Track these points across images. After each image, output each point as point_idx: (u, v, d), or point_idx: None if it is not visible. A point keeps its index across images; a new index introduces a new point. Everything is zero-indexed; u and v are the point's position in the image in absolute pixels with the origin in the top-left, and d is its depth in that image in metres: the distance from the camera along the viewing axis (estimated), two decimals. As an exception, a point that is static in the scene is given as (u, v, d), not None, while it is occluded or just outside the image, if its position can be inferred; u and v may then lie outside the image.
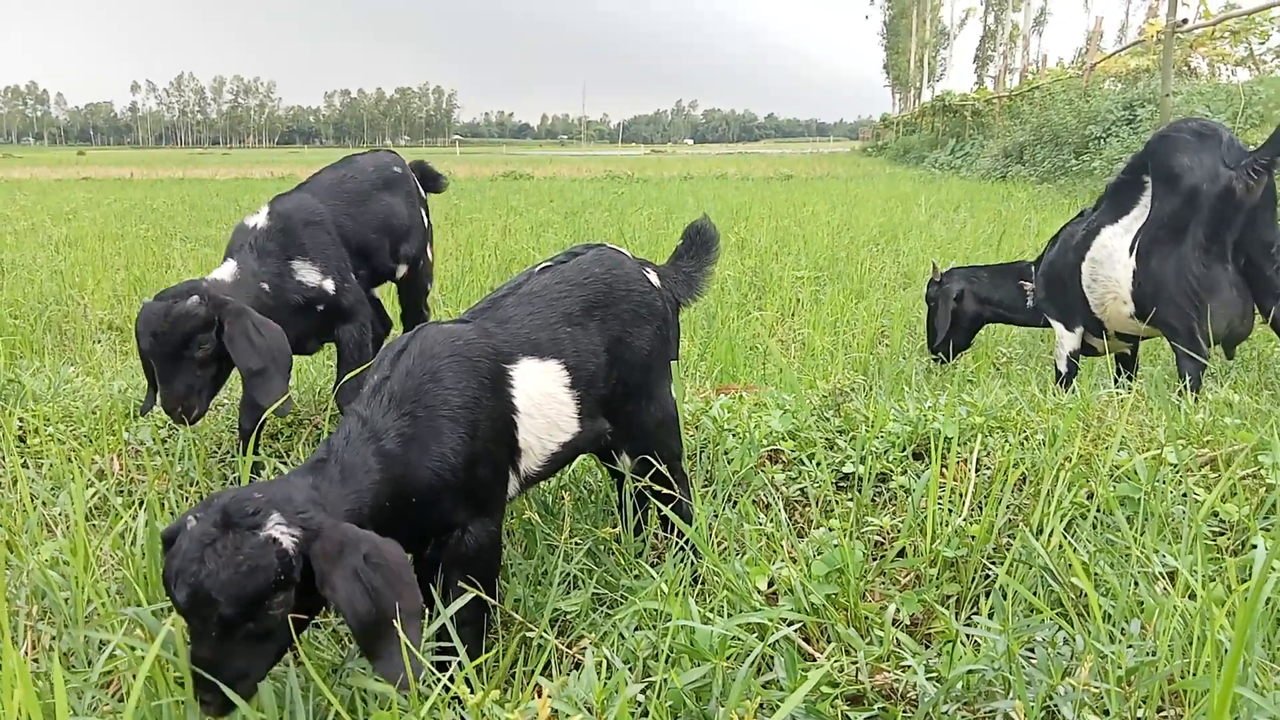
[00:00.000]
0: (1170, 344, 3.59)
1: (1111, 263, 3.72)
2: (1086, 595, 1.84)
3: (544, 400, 1.93)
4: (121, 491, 2.68)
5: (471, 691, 1.26)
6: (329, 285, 3.12)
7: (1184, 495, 2.24)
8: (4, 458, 2.74)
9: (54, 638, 1.87)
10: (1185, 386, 3.39)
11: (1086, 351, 4.16)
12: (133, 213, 12.48)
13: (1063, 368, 4.11)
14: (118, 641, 1.64)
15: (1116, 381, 3.91)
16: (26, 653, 1.80)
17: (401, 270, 3.78)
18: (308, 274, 3.09)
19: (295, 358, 2.97)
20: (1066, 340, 4.08)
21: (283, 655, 1.50)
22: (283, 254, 3.05)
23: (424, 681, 1.45)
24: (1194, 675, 1.52)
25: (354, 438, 1.68)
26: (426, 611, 1.56)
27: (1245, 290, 3.47)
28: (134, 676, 1.55)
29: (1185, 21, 13.12)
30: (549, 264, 2.12)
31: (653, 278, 2.24)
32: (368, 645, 1.42)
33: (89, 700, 1.59)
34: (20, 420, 2.93)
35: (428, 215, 4.04)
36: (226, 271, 2.91)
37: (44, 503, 2.46)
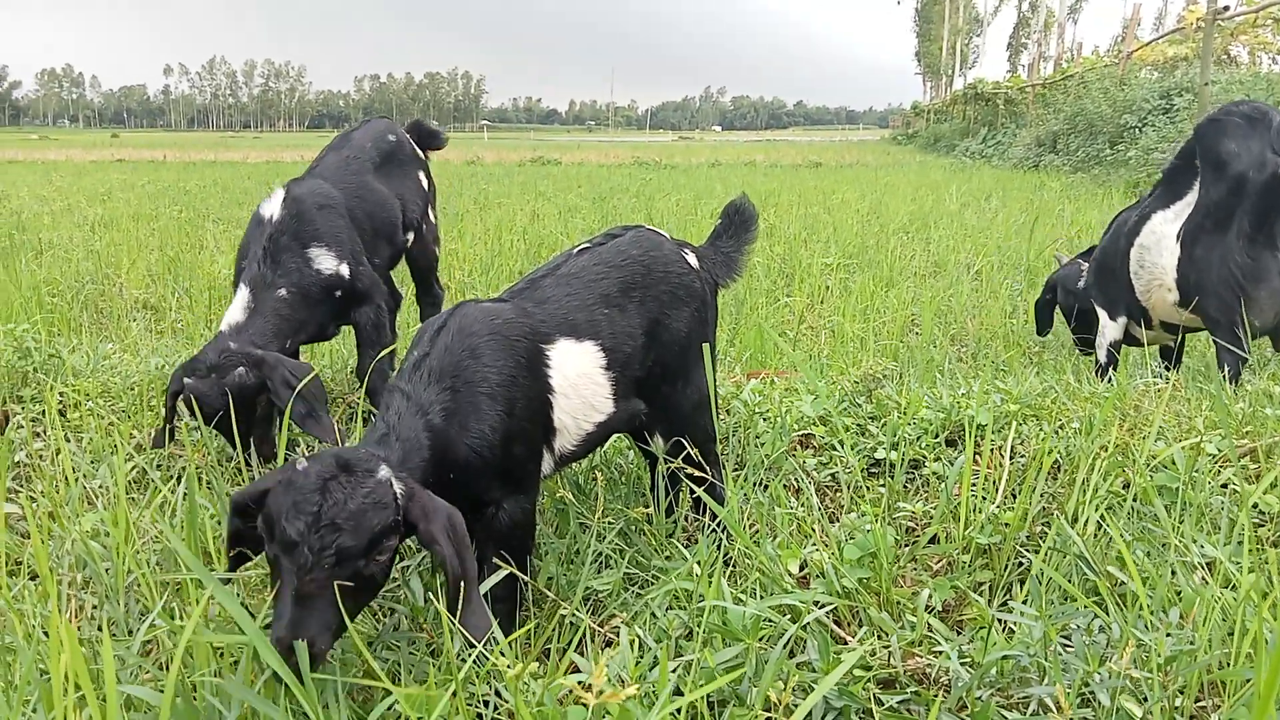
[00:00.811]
0: (1211, 336, 3.54)
1: (1159, 249, 3.65)
2: (1123, 583, 1.83)
3: (580, 380, 1.93)
4: (159, 465, 2.72)
5: (509, 665, 1.27)
6: (344, 270, 3.15)
7: (1223, 486, 2.22)
8: (47, 431, 2.79)
9: (95, 607, 1.91)
10: (1224, 378, 3.33)
11: (1130, 342, 4.09)
12: (166, 194, 12.62)
13: (1102, 357, 4.06)
14: (158, 611, 1.67)
15: (1157, 373, 3.86)
16: (70, 619, 1.84)
17: (410, 237, 3.79)
18: (325, 260, 3.11)
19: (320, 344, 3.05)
20: (1109, 329, 4.02)
21: (358, 613, 1.54)
22: (299, 243, 3.08)
23: (460, 654, 1.46)
24: (1234, 666, 1.50)
25: (405, 413, 1.71)
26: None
27: None
28: (175, 645, 1.58)
29: (1226, 9, 12.86)
30: (587, 245, 2.13)
31: (691, 259, 2.23)
32: (457, 599, 1.48)
33: (131, 667, 1.62)
34: (61, 395, 2.97)
35: (428, 176, 4.02)
36: (240, 309, 2.92)
37: (84, 475, 2.50)
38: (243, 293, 2.95)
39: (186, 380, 2.65)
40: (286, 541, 1.40)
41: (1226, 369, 3.38)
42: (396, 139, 3.79)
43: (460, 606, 1.48)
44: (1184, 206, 3.59)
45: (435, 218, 4.08)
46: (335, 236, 3.15)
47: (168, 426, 2.66)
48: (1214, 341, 3.49)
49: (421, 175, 3.92)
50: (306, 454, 1.70)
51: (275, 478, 1.52)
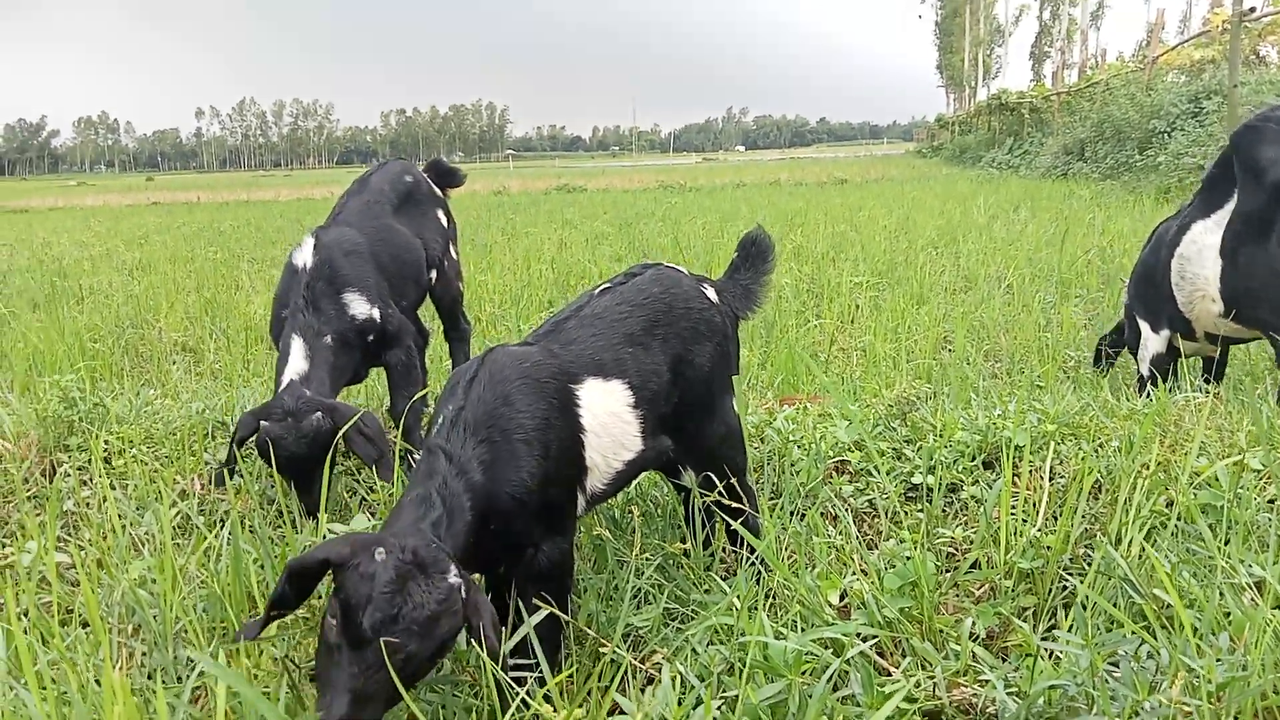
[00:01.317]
0: (1271, 343, 3.45)
1: (1201, 260, 3.59)
2: (1170, 607, 1.80)
3: (609, 419, 1.95)
4: (203, 510, 2.76)
5: (554, 709, 1.28)
6: (375, 314, 3.20)
7: (1270, 502, 2.18)
8: (93, 479, 2.85)
9: (145, 654, 1.94)
10: None
11: (1171, 355, 4.02)
12: (201, 235, 12.87)
13: (1144, 371, 3.99)
14: (204, 660, 1.69)
15: (1202, 387, 3.79)
16: (120, 668, 1.87)
17: (433, 275, 3.84)
18: (358, 305, 3.17)
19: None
20: (1151, 342, 3.95)
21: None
22: (334, 289, 3.13)
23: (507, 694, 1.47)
24: (1288, 691, 1.47)
25: (450, 477, 1.71)
26: (503, 631, 1.62)
27: None
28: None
29: (1253, 10, 12.73)
30: (608, 285, 2.15)
31: (710, 294, 2.25)
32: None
33: (181, 716, 1.64)
34: (105, 442, 3.04)
35: (448, 213, 4.06)
36: (302, 358, 2.97)
37: (131, 523, 2.55)
38: (298, 343, 3.00)
39: (264, 424, 2.68)
40: (358, 636, 1.41)
41: None
42: (413, 179, 3.84)
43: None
44: (1224, 215, 3.53)
45: (456, 254, 4.13)
46: (364, 282, 3.20)
47: (227, 468, 2.71)
48: (1276, 350, 3.42)
49: (440, 213, 3.97)
50: (369, 531, 1.71)
51: (337, 551, 1.50)
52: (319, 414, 2.69)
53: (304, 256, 3.17)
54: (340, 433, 2.61)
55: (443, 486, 1.70)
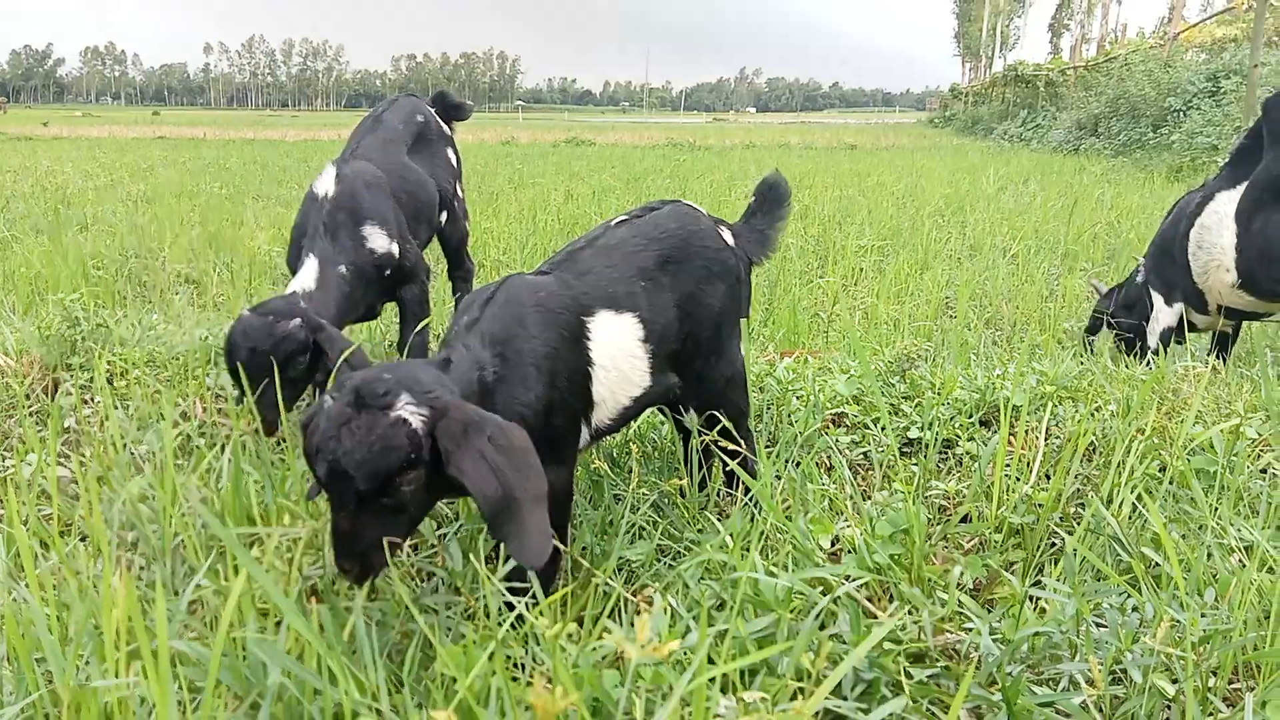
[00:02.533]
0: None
1: (1220, 229, 3.56)
2: (1157, 565, 1.82)
3: (618, 354, 1.95)
4: (204, 434, 2.78)
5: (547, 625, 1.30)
6: (394, 249, 3.17)
7: (1263, 470, 2.20)
8: (95, 397, 2.86)
9: (143, 567, 1.97)
10: None
11: (1189, 329, 3.97)
12: (207, 171, 12.79)
13: (1152, 343, 3.97)
14: (204, 572, 1.72)
15: (1203, 358, 3.78)
16: (119, 578, 1.89)
17: (443, 216, 3.81)
18: (378, 239, 3.13)
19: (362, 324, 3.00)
20: (1163, 315, 3.93)
21: (416, 526, 1.60)
22: (353, 221, 3.09)
23: (499, 616, 1.49)
24: (1270, 648, 1.50)
25: (464, 359, 1.72)
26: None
27: None
28: (221, 604, 1.63)
29: (1279, -12, 12.53)
30: (625, 218, 2.14)
31: (727, 235, 2.24)
32: (497, 525, 1.46)
33: (176, 625, 1.67)
34: (108, 363, 3.04)
35: (455, 152, 4.02)
36: (311, 276, 2.93)
37: (132, 442, 2.57)
38: (311, 263, 2.96)
39: (243, 311, 2.65)
40: (319, 481, 1.50)
41: None
42: (425, 119, 3.80)
43: (506, 531, 1.46)
44: (1248, 185, 3.50)
45: (463, 192, 4.10)
46: (384, 216, 3.17)
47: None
48: None
49: (450, 152, 3.94)
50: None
51: (313, 409, 1.56)
52: (299, 321, 2.61)
53: (325, 185, 3.13)
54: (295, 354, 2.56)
55: (460, 360, 1.70)
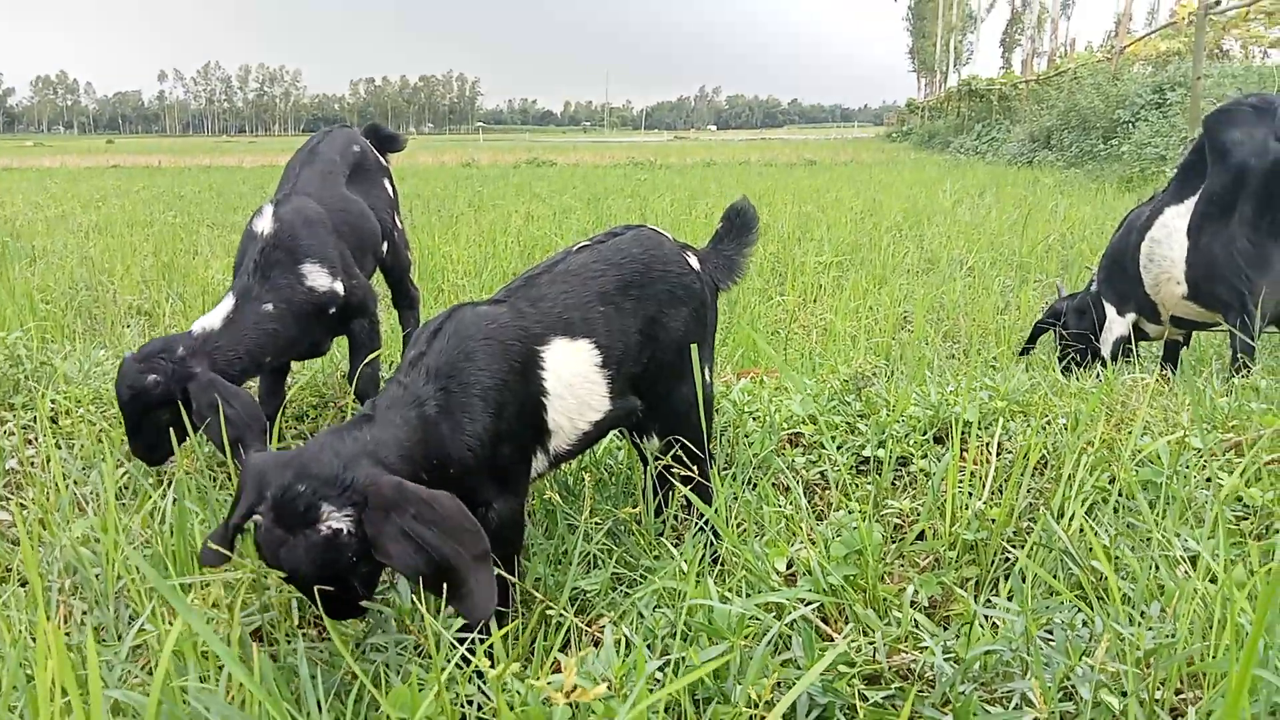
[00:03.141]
0: (1226, 323, 3.52)
1: (1170, 242, 3.64)
2: (1106, 578, 1.84)
3: (575, 380, 1.94)
4: (150, 472, 2.72)
5: (492, 665, 1.28)
6: (339, 287, 3.10)
7: (1208, 480, 2.23)
8: (38, 438, 2.80)
9: (85, 612, 1.92)
10: (1236, 367, 3.34)
11: (1140, 337, 4.06)
12: (161, 200, 12.63)
13: (1105, 353, 4.04)
14: (147, 616, 1.68)
15: (1150, 369, 3.84)
16: (59, 626, 1.84)
17: (384, 247, 3.78)
18: (318, 277, 3.05)
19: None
20: (1116, 325, 4.00)
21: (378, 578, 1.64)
22: (292, 260, 3.01)
23: (446, 656, 1.47)
24: (1214, 658, 1.51)
25: (397, 400, 1.73)
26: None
27: None
28: (161, 648, 1.59)
29: (1218, 2, 12.90)
30: (587, 243, 2.14)
31: (692, 261, 2.24)
32: (438, 593, 1.48)
33: (119, 672, 1.63)
34: (53, 402, 2.98)
35: (391, 183, 3.97)
36: (219, 317, 2.85)
37: (75, 482, 2.51)
38: (227, 301, 2.89)
39: (127, 354, 2.62)
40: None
41: (1239, 355, 3.37)
42: (361, 149, 3.74)
43: (450, 596, 1.47)
44: (1196, 200, 3.59)
45: (401, 223, 4.05)
46: (325, 254, 3.09)
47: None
48: (1229, 330, 3.49)
49: (387, 183, 3.89)
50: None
51: (253, 499, 1.56)
52: (156, 377, 2.58)
53: (263, 223, 3.04)
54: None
55: (388, 407, 1.71)
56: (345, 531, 1.50)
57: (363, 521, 1.50)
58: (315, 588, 1.50)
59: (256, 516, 1.54)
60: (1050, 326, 4.44)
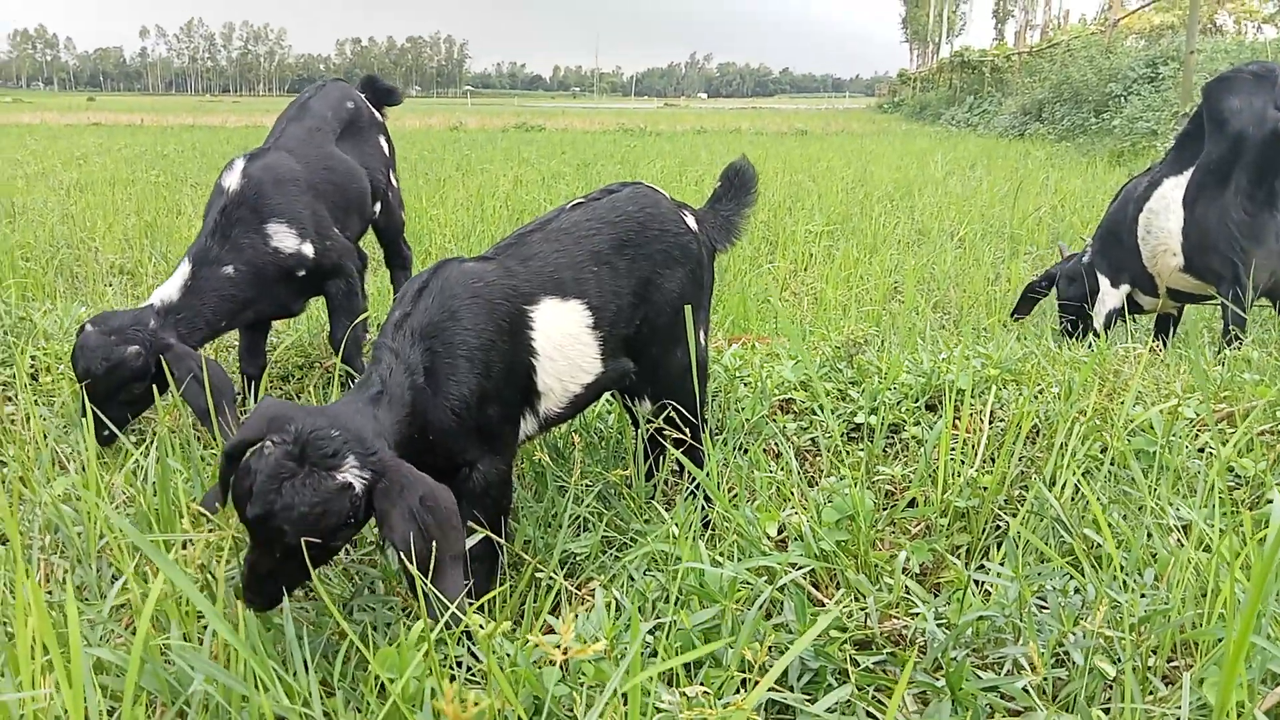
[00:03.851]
0: (1219, 294, 3.51)
1: (1166, 213, 3.61)
2: (1099, 546, 1.84)
3: (565, 341, 1.91)
4: (132, 429, 2.68)
5: (482, 625, 1.26)
6: (308, 249, 3.00)
7: (1200, 450, 2.22)
8: (17, 395, 2.75)
9: (67, 571, 1.89)
10: (1228, 338, 3.33)
11: (1134, 310, 4.06)
12: (143, 158, 12.43)
13: (1098, 325, 4.02)
14: (129, 575, 1.65)
15: (1143, 339, 3.85)
16: (40, 584, 1.82)
17: (377, 208, 3.70)
18: (285, 239, 2.95)
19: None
20: (1109, 297, 3.97)
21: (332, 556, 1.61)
22: (257, 219, 2.91)
23: (433, 614, 1.45)
24: (1207, 626, 1.51)
25: (396, 371, 1.70)
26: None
27: None
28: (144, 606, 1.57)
29: (1213, -24, 12.80)
30: (582, 200, 2.09)
31: (689, 220, 2.20)
32: (421, 573, 1.46)
33: (101, 632, 1.60)
34: (33, 359, 2.93)
35: (388, 139, 3.87)
36: (177, 286, 2.76)
37: (56, 440, 2.47)
38: (183, 268, 2.78)
39: (87, 325, 2.54)
40: (246, 523, 1.48)
41: (1231, 327, 3.36)
42: (355, 105, 3.63)
43: (433, 579, 1.47)
44: (1193, 170, 3.56)
45: (396, 181, 3.96)
46: (296, 214, 2.98)
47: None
48: (1221, 303, 3.48)
49: (382, 140, 3.78)
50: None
51: (253, 430, 1.52)
52: (136, 348, 2.53)
53: (231, 179, 2.94)
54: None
55: (389, 379, 1.68)
56: (358, 492, 1.49)
57: (374, 491, 1.49)
58: (282, 540, 1.46)
59: (267, 444, 1.50)
60: (1043, 293, 4.42)
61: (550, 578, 1.75)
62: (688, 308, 2.09)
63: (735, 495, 2.17)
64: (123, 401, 2.56)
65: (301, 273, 3.01)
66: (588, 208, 2.05)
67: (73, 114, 28.79)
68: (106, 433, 2.52)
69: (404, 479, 1.50)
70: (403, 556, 1.46)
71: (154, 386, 2.58)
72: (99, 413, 2.46)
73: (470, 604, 1.47)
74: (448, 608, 1.42)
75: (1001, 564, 1.75)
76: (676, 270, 2.09)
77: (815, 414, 2.64)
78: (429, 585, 1.45)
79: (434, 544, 1.46)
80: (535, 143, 16.25)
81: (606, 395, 2.30)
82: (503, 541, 1.82)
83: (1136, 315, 4.15)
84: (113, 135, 18.02)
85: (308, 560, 1.45)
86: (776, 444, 2.52)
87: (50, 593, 1.81)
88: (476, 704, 1.01)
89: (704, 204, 2.41)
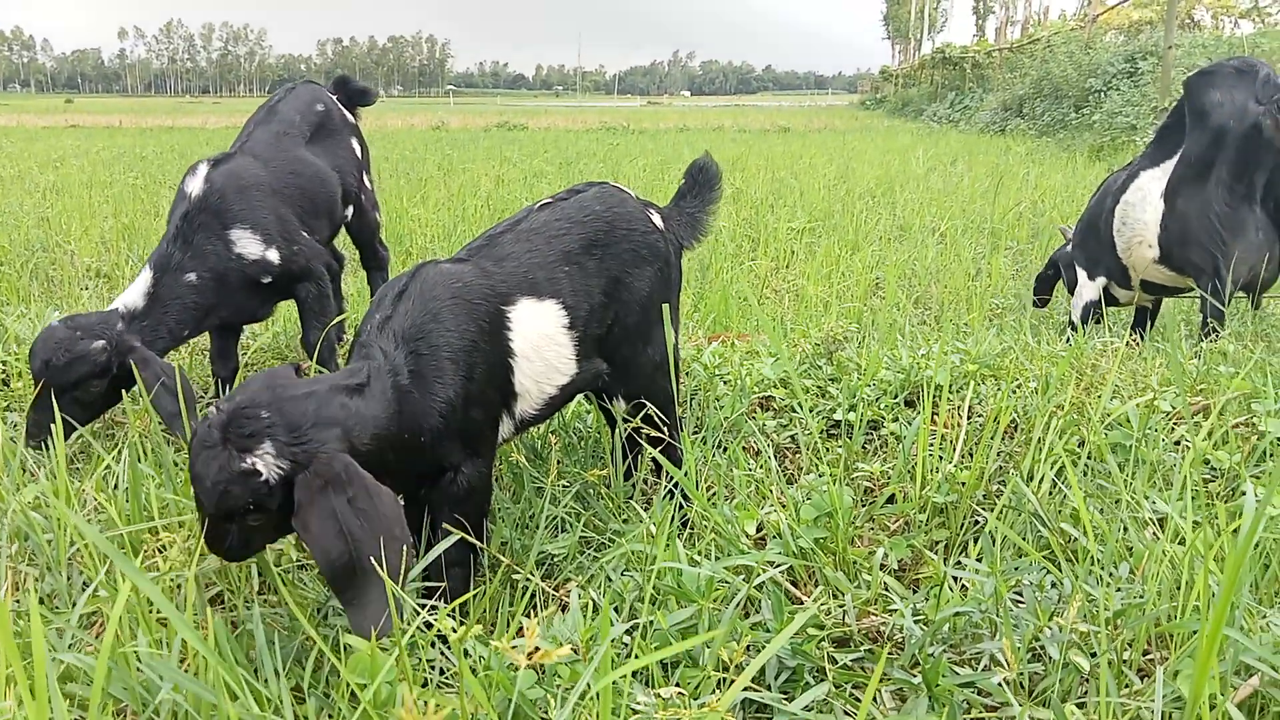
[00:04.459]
0: (1198, 287, 3.53)
1: (1143, 205, 3.64)
2: (1075, 540, 1.84)
3: (541, 342, 1.90)
4: (103, 435, 2.65)
5: (454, 628, 1.25)
6: (273, 256, 2.95)
7: (1176, 443, 2.23)
8: (-14, 401, 2.71)
9: (37, 579, 1.86)
10: (1206, 331, 3.35)
11: (1109, 302, 4.08)
12: (121, 160, 12.32)
13: (1075, 317, 4.04)
14: (99, 581, 1.63)
15: (1120, 333, 3.87)
16: (8, 594, 1.79)
17: (349, 212, 3.66)
18: (249, 244, 2.91)
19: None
20: (1086, 290, 4.00)
21: (276, 539, 1.60)
22: (220, 224, 2.87)
23: (406, 620, 1.43)
24: (1182, 618, 1.52)
25: (382, 369, 1.67)
26: (413, 564, 1.53)
27: (1273, 234, 3.38)
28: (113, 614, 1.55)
29: (1190, -29, 12.89)
30: (549, 201, 2.08)
31: (656, 219, 2.19)
32: (338, 590, 1.40)
33: (69, 639, 1.58)
34: (3, 364, 2.89)
35: (360, 141, 3.82)
36: (140, 294, 2.72)
37: (26, 447, 2.44)
38: (144, 275, 2.74)
39: (52, 323, 2.50)
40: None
41: (1209, 321, 3.38)
42: (325, 107, 3.58)
43: (346, 596, 1.39)
44: (1172, 164, 3.58)
45: (371, 183, 3.90)
46: (260, 220, 2.94)
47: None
48: (1200, 297, 3.50)
49: (354, 142, 3.73)
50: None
51: (247, 393, 1.55)
52: (102, 343, 2.48)
53: (194, 184, 2.88)
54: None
55: (376, 374, 1.65)
56: (264, 479, 1.44)
57: (295, 482, 1.44)
58: (206, 513, 1.47)
59: (213, 409, 1.50)
60: (1056, 276, 4.45)
61: (527, 579, 1.74)
62: (663, 305, 2.08)
63: (714, 494, 2.16)
64: (77, 400, 2.48)
65: (267, 279, 2.97)
66: (555, 208, 2.04)
67: (50, 116, 28.52)
68: (37, 434, 2.43)
69: (333, 474, 1.43)
70: (318, 560, 1.39)
71: (119, 390, 2.54)
72: (45, 410, 2.39)
73: (445, 607, 1.45)
74: (364, 632, 1.35)
75: (979, 559, 1.75)
76: (645, 269, 2.09)
77: (794, 411, 2.63)
78: (348, 602, 1.39)
79: (361, 551, 1.38)
80: (518, 142, 16.21)
81: (580, 397, 2.29)
82: (482, 545, 1.80)
83: (1113, 308, 4.18)
84: (91, 137, 17.86)
85: (242, 533, 1.48)
86: (755, 442, 2.51)
87: (19, 601, 1.79)
88: (439, 709, 1.00)
89: (669, 202, 2.40)
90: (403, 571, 1.42)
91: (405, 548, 1.44)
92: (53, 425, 2.40)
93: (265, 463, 1.44)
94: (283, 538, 1.65)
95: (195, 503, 1.50)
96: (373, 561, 1.38)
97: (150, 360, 2.48)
